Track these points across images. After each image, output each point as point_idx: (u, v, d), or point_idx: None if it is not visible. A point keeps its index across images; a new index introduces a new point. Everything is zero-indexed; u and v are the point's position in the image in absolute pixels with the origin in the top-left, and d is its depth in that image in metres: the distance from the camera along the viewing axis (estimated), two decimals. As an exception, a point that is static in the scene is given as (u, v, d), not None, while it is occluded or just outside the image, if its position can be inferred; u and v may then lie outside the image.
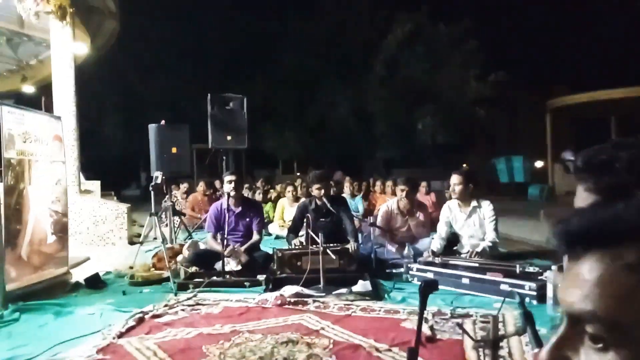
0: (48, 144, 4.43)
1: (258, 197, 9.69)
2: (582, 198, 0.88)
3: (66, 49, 7.02)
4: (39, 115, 4.42)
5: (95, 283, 4.41)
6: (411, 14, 19.33)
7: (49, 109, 6.94)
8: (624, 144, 0.86)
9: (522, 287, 3.59)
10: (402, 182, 5.31)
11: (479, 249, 4.56)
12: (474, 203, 4.87)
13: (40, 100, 8.95)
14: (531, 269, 3.90)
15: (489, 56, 18.80)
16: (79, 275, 4.70)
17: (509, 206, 11.09)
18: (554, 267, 3.94)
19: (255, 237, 4.97)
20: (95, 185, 8.53)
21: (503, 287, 3.70)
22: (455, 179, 4.86)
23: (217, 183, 9.77)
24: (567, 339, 0.50)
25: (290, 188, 8.11)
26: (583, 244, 0.49)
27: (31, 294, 3.93)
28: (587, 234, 0.49)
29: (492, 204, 4.87)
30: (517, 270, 3.90)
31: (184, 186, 9.78)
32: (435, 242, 4.92)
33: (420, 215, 5.34)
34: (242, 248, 4.76)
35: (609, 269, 0.47)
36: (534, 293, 3.54)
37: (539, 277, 3.71)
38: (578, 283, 0.49)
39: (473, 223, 4.88)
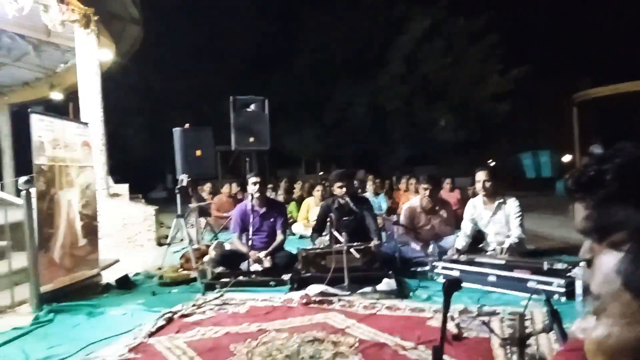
0: (77, 149, 4.56)
1: (280, 197, 9.76)
2: (582, 215, 0.91)
3: (91, 56, 7.18)
4: (67, 122, 4.56)
5: (126, 284, 4.51)
6: (429, 8, 19.10)
7: (76, 115, 7.12)
8: (608, 156, 0.89)
9: (550, 284, 3.54)
10: (424, 180, 5.27)
11: (505, 246, 4.51)
12: (499, 200, 4.82)
13: (68, 106, 9.19)
14: (559, 266, 3.84)
15: (510, 50, 18.48)
16: (109, 276, 4.82)
17: (536, 202, 10.90)
18: (582, 263, 3.88)
19: (280, 237, 5.02)
20: (124, 188, 8.71)
21: (530, 284, 3.65)
22: (482, 175, 4.81)
23: (233, 186, 9.84)
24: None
25: (318, 187, 8.14)
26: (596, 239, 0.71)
27: (64, 295, 4.06)
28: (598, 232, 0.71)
29: (517, 200, 4.82)
30: (545, 267, 3.85)
31: (207, 186, 9.92)
32: (460, 239, 4.88)
33: (444, 213, 5.29)
34: (264, 254, 4.79)
35: (602, 249, 0.68)
36: (563, 290, 3.48)
37: (567, 274, 3.65)
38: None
39: (499, 220, 4.82)
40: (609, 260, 0.74)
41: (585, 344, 0.70)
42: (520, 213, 4.73)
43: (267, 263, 4.74)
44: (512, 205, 4.77)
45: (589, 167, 0.90)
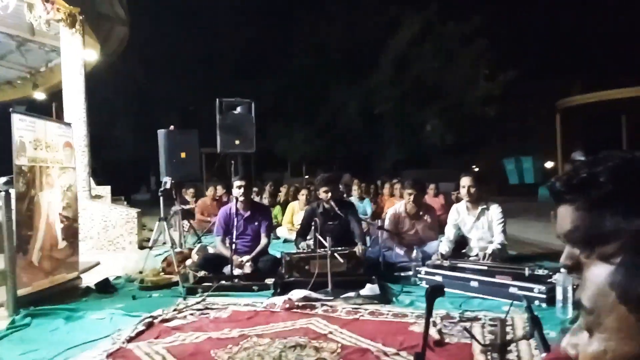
0: (59, 150, 4.49)
1: (265, 201, 9.72)
2: (571, 219, 0.89)
3: (76, 56, 7.10)
4: (49, 123, 4.48)
5: (106, 288, 4.45)
6: (421, 11, 19.23)
7: (59, 115, 7.03)
8: (598, 160, 0.89)
9: (531, 290, 3.57)
10: (409, 185, 5.29)
11: (488, 251, 4.54)
12: (482, 205, 4.86)
13: (51, 106, 9.07)
14: (540, 272, 3.87)
15: (499, 55, 18.68)
16: (89, 280, 4.74)
17: (519, 207, 11.02)
18: (563, 270, 3.92)
19: (264, 240, 4.99)
20: (106, 190, 8.61)
21: (512, 290, 3.67)
22: (467, 180, 4.84)
23: (218, 188, 9.78)
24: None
25: (304, 191, 8.12)
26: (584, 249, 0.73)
27: (42, 298, 3.98)
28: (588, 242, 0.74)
29: (500, 206, 4.86)
30: (526, 273, 3.88)
31: (190, 191, 9.85)
32: (443, 245, 4.90)
33: (428, 218, 5.32)
34: (246, 258, 4.74)
35: (591, 261, 0.69)
36: (544, 296, 3.51)
37: (548, 280, 3.68)
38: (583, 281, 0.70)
39: (482, 225, 4.86)
40: (600, 273, 0.72)
41: (580, 359, 0.69)
42: (502, 219, 4.77)
43: (247, 269, 4.71)
44: (495, 211, 4.81)
45: (579, 169, 0.89)
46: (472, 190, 4.81)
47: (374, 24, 20.41)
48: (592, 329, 0.69)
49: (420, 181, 5.56)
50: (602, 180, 0.86)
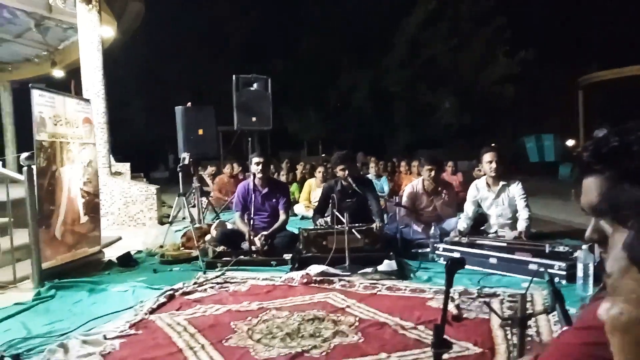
0: (78, 126, 4.53)
1: (282, 178, 9.74)
2: (599, 190, 0.85)
3: (93, 32, 7.11)
4: (68, 99, 4.51)
5: (127, 262, 4.53)
6: None
7: (78, 92, 7.07)
8: (625, 129, 0.85)
9: (551, 266, 3.53)
10: (427, 161, 5.24)
11: (521, 228, 4.52)
12: (502, 182, 4.80)
13: (70, 84, 9.14)
14: (561, 249, 3.82)
15: (515, 34, 18.24)
16: (111, 254, 4.84)
17: (539, 186, 10.87)
18: (584, 247, 3.87)
19: (282, 217, 5.00)
20: (125, 167, 8.69)
21: (532, 266, 3.64)
22: (490, 156, 4.77)
23: (235, 166, 9.80)
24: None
25: (320, 169, 8.11)
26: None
27: (66, 272, 4.08)
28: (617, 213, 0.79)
29: (520, 182, 4.80)
30: (547, 250, 3.83)
31: (211, 169, 9.91)
32: (462, 221, 4.87)
33: (446, 195, 5.27)
34: (262, 237, 4.65)
35: (617, 228, 0.80)
36: (564, 273, 3.48)
37: (569, 257, 3.64)
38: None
39: (502, 202, 4.82)
40: (621, 239, 0.74)
41: (605, 324, 0.70)
42: (524, 194, 4.73)
43: (261, 244, 4.61)
44: (516, 187, 4.76)
45: (608, 138, 0.85)
46: (494, 165, 4.74)
47: (387, 4, 19.99)
48: (612, 292, 0.71)
49: (437, 158, 5.50)
50: (635, 149, 0.82)
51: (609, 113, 16.56)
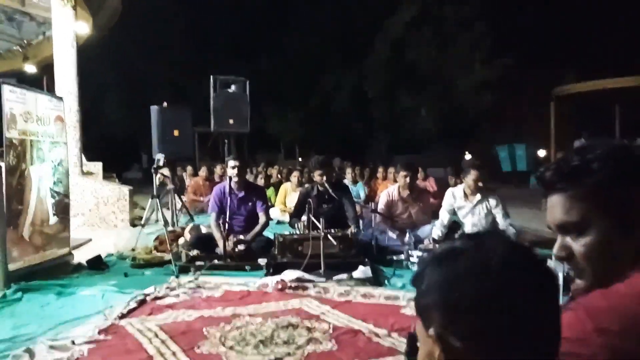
0: (50, 124, 4.42)
1: (260, 181, 9.69)
2: (564, 209, 0.88)
3: (68, 28, 6.96)
4: (40, 95, 4.40)
5: (97, 264, 4.43)
6: None
7: (50, 89, 6.90)
8: (587, 148, 0.88)
9: (522, 275, 3.59)
10: (403, 167, 5.27)
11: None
12: (480, 195, 4.82)
13: (42, 80, 8.92)
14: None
15: (496, 40, 18.56)
16: (81, 256, 4.72)
17: (511, 194, 11.07)
18: (554, 256, 3.95)
19: (262, 219, 4.93)
20: (97, 166, 8.52)
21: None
22: (475, 175, 4.75)
23: (217, 168, 9.71)
24: None
25: (295, 173, 8.11)
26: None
27: (33, 274, 3.96)
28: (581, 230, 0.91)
29: (498, 197, 4.85)
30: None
31: (189, 169, 9.80)
32: (436, 229, 4.92)
33: (421, 202, 5.32)
34: (236, 240, 4.65)
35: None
36: (534, 282, 3.53)
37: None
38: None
39: (478, 212, 4.83)
40: None
41: None
42: (502, 205, 4.79)
43: (239, 248, 4.61)
44: (493, 201, 4.79)
45: (570, 157, 0.88)
46: (480, 184, 4.76)
47: (371, 5, 20.12)
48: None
49: (412, 164, 5.54)
50: (594, 167, 0.85)
51: (581, 125, 17.02)
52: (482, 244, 0.71)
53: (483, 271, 0.66)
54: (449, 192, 5.05)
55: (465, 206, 4.90)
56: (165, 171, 6.65)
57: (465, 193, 4.90)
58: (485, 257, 0.68)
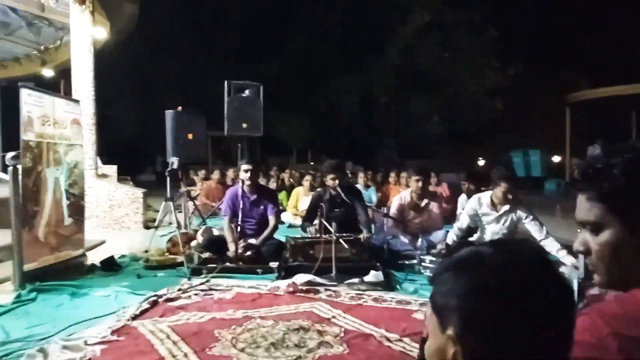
0: (66, 127, 4.48)
1: (272, 185, 9.72)
2: (585, 208, 0.92)
3: (85, 33, 7.06)
4: (57, 99, 4.46)
5: (111, 266, 4.47)
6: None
7: (67, 92, 7.01)
8: (616, 151, 0.91)
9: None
10: (415, 172, 5.23)
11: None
12: (508, 206, 4.63)
13: (59, 84, 9.06)
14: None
15: (508, 46, 18.43)
16: (94, 257, 4.76)
17: (525, 200, 10.95)
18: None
19: (272, 222, 4.94)
20: (112, 169, 8.62)
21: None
22: (505, 188, 4.54)
23: (230, 172, 9.77)
24: None
25: (308, 177, 8.12)
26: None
27: (48, 274, 4.00)
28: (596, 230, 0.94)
29: (532, 214, 4.61)
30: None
31: (201, 172, 9.86)
32: (452, 233, 4.80)
33: (434, 207, 5.27)
34: (246, 244, 4.67)
35: None
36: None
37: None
38: None
39: (502, 222, 4.68)
40: None
41: None
42: (533, 217, 4.57)
43: (239, 249, 4.63)
44: (523, 214, 4.59)
45: (596, 159, 0.90)
46: (510, 196, 4.59)
47: (378, 10, 20.05)
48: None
49: (424, 168, 5.50)
50: (615, 172, 0.87)
51: (595, 131, 16.81)
52: (507, 254, 0.74)
53: (507, 285, 0.70)
54: (475, 198, 4.85)
55: (490, 214, 4.70)
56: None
57: (492, 202, 4.73)
58: (511, 269, 0.71)
